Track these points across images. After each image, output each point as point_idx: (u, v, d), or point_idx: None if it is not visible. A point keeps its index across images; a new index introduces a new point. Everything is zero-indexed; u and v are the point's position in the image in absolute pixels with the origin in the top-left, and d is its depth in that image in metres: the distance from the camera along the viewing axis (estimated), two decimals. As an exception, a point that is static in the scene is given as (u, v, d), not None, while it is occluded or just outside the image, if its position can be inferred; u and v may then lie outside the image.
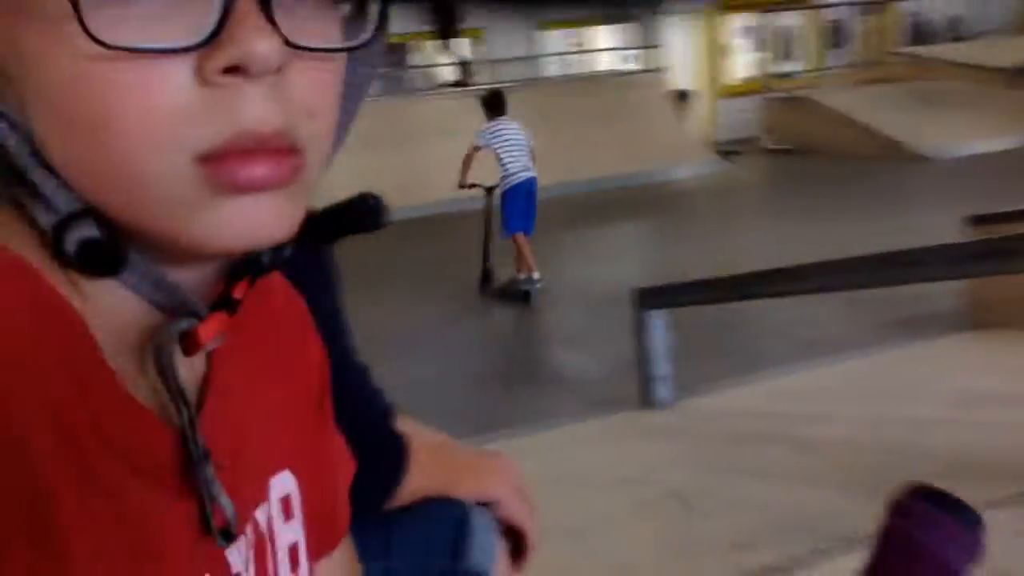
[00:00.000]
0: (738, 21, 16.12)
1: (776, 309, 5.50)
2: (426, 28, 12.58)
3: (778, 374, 4.59)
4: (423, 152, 11.37)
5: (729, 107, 15.86)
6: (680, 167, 12.38)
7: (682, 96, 14.16)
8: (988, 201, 7.20)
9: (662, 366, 4.36)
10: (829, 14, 15.96)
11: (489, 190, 6.97)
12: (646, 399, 4.34)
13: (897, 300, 5.26)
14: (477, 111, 6.88)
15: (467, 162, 6.85)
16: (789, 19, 15.74)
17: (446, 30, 12.09)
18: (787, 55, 16.08)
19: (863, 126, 12.36)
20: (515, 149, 6.67)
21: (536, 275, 6.78)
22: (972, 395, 3.40)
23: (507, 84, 13.33)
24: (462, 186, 6.92)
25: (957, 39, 16.52)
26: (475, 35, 14.44)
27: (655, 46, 14.19)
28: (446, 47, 12.70)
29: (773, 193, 11.35)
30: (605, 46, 15.24)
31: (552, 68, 15.12)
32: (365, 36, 0.42)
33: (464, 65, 13.08)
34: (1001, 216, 5.15)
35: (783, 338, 5.51)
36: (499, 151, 6.66)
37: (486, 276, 7.00)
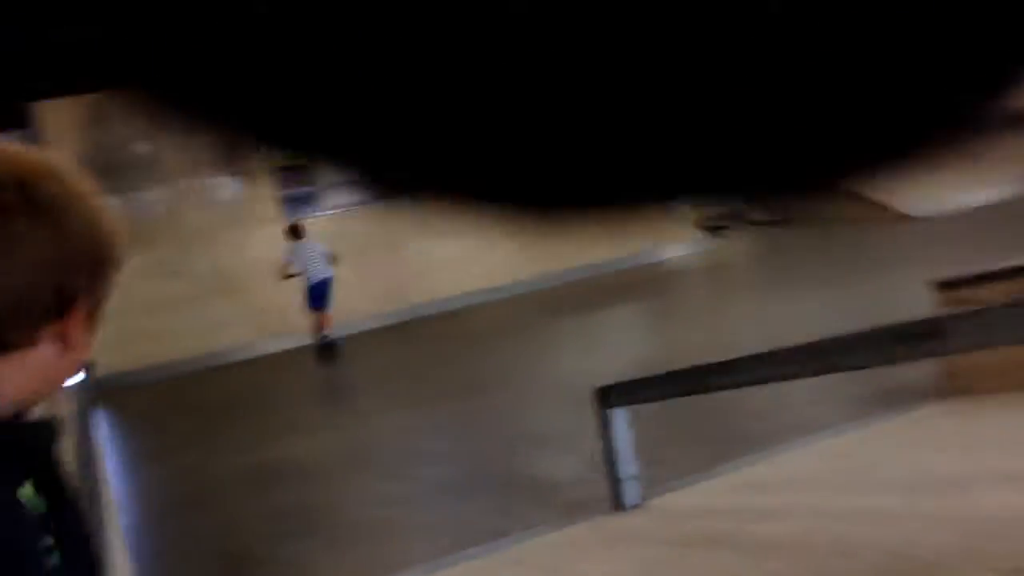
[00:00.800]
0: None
1: (752, 390, 5.46)
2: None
3: (751, 461, 4.53)
4: (406, 259, 11.51)
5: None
6: (669, 247, 12.45)
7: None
8: (966, 260, 7.19)
9: (628, 466, 4.32)
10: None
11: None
12: (616, 500, 4.28)
13: (875, 370, 5.22)
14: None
15: (282, 268, 10.00)
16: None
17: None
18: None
19: (847, 190, 12.41)
20: (311, 259, 9.89)
21: (326, 331, 9.91)
22: (929, 479, 3.35)
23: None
24: (283, 277, 10.02)
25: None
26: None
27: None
28: None
29: (759, 267, 11.37)
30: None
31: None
32: None
33: None
34: (964, 280, 5.16)
35: (760, 421, 5.45)
36: (300, 261, 9.92)
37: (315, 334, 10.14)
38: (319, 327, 9.99)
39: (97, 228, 0.92)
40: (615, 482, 4.32)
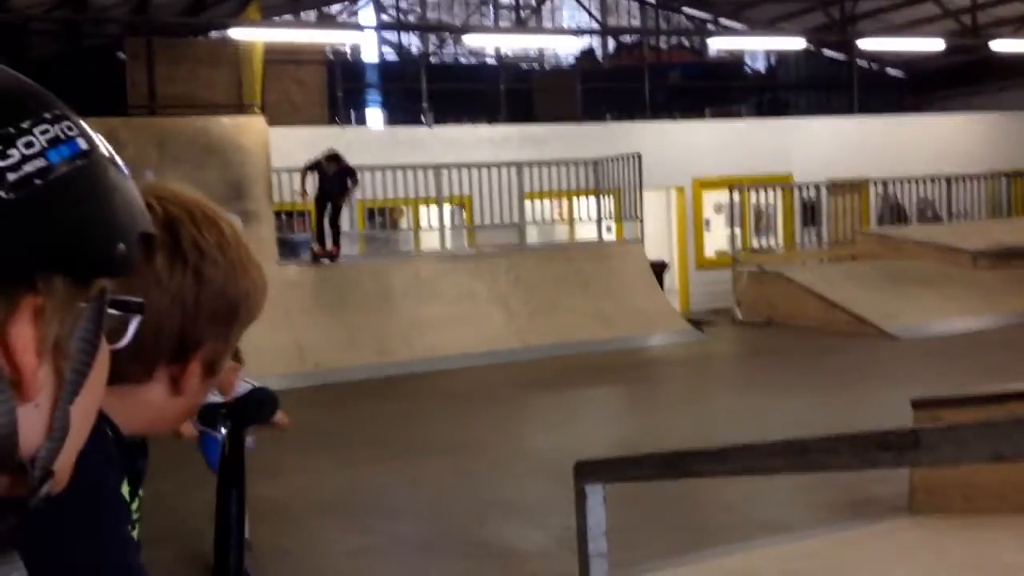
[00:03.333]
0: (714, 197, 16.73)
1: (727, 484, 5.54)
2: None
3: (718, 554, 4.61)
4: (397, 314, 11.61)
5: (704, 279, 16.26)
6: (654, 335, 12.60)
7: (658, 267, 14.56)
8: (942, 383, 7.37)
9: (599, 543, 4.37)
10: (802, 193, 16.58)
11: None
12: (583, 576, 4.33)
13: (849, 479, 5.31)
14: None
15: None
16: (763, 197, 16.30)
17: None
18: (761, 231, 16.60)
19: (831, 302, 12.68)
20: None
21: None
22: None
23: (492, 249, 13.75)
24: None
25: (927, 221, 17.13)
26: (459, 201, 14.95)
27: (635, 219, 14.68)
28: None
29: (741, 364, 11.53)
30: (586, 217, 15.73)
31: (534, 236, 15.60)
32: None
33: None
34: (940, 401, 5.31)
35: (731, 515, 5.53)
36: None
37: None
38: None
39: (234, 283, 0.92)
40: (584, 559, 4.37)
